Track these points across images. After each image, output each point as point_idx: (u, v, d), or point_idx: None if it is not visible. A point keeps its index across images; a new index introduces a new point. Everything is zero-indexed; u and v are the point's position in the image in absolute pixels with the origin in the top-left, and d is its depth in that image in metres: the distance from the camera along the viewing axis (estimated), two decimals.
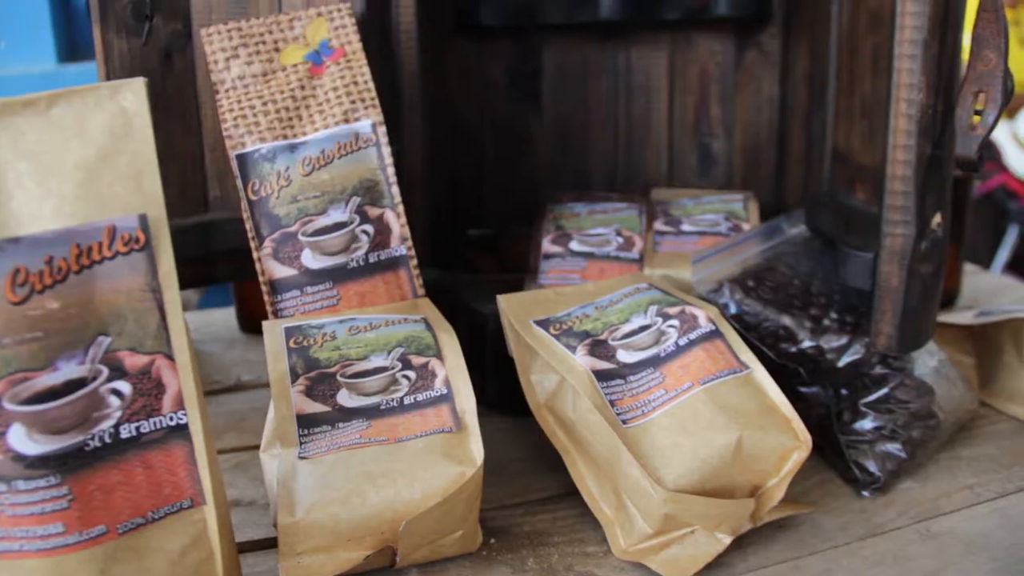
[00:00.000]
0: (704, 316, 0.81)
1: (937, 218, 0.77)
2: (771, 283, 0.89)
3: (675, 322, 0.81)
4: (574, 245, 1.03)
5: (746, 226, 1.05)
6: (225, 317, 1.30)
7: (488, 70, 1.25)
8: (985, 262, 3.21)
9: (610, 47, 1.26)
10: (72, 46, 4.29)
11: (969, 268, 1.38)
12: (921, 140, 0.74)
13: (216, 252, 1.02)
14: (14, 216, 0.56)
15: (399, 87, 1.02)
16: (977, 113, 0.73)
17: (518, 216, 1.27)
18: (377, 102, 0.91)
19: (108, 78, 0.96)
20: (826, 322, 0.86)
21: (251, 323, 1.26)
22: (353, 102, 0.90)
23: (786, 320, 0.86)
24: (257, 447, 0.72)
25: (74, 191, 0.57)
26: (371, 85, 0.91)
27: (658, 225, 1.07)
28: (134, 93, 0.61)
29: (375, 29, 1.00)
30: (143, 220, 0.59)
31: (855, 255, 0.81)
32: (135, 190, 0.59)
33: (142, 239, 0.59)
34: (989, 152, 3.14)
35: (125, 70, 0.97)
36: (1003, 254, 3.17)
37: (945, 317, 1.02)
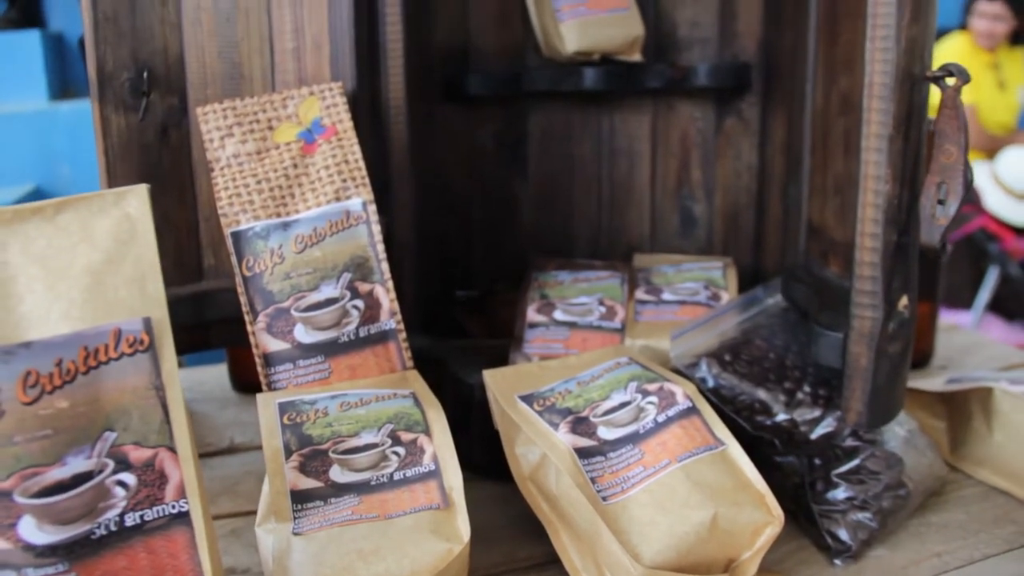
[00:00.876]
0: (681, 393, 0.84)
1: (904, 300, 0.81)
2: (747, 357, 0.92)
3: (654, 399, 0.84)
4: (558, 314, 1.07)
5: (724, 295, 1.09)
6: (217, 375, 1.32)
7: (476, 135, 1.28)
8: (967, 303, 3.26)
9: (594, 112, 1.30)
10: (64, 84, 4.32)
11: (943, 324, 1.42)
12: (887, 228, 0.77)
13: (210, 320, 1.05)
14: (25, 319, 0.59)
15: (389, 160, 1.05)
16: (941, 202, 0.77)
17: (505, 276, 1.31)
18: (367, 181, 0.94)
19: (106, 154, 0.99)
20: (799, 395, 0.89)
21: (244, 382, 1.28)
22: (344, 181, 0.94)
23: (761, 394, 0.90)
24: (251, 513, 0.74)
25: (82, 295, 0.60)
26: (361, 164, 0.94)
27: (639, 294, 1.10)
28: (137, 199, 0.64)
29: (366, 104, 1.03)
30: (147, 323, 0.63)
31: (826, 335, 0.84)
32: (139, 293, 0.62)
33: (146, 341, 0.63)
34: (969, 195, 3.19)
35: (123, 145, 1.00)
36: (984, 295, 3.22)
37: (917, 383, 1.05)
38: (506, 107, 1.28)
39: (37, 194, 3.79)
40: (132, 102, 1.00)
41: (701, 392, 0.88)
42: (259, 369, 0.90)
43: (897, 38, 0.73)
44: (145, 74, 1.00)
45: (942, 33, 4.28)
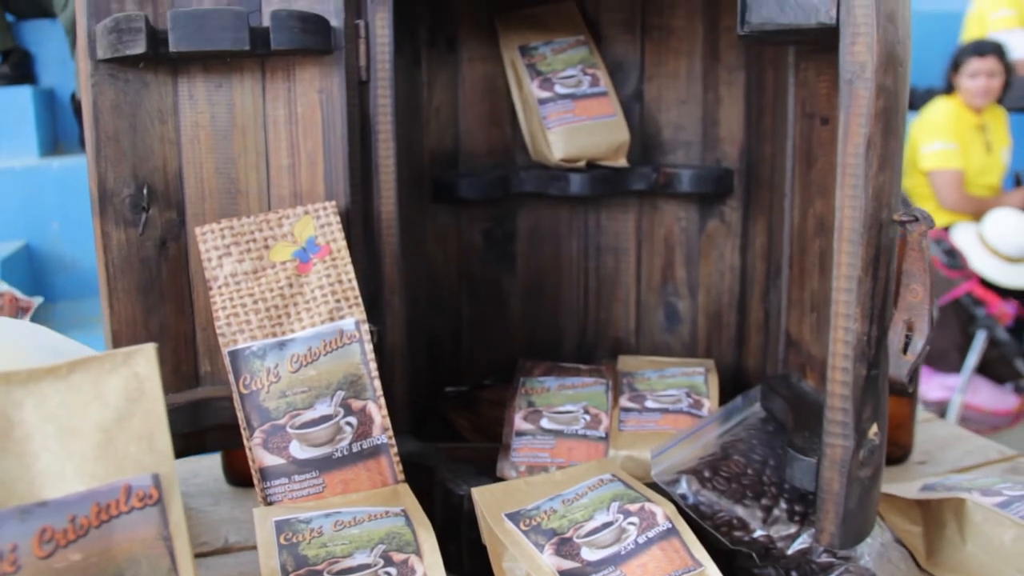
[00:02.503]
0: (662, 514, 0.87)
1: (874, 428, 0.84)
2: (726, 473, 0.96)
3: (635, 519, 0.87)
4: (544, 422, 1.10)
5: (706, 402, 1.12)
6: (211, 466, 1.35)
7: (465, 233, 1.32)
8: (955, 366, 3.29)
9: (581, 210, 1.34)
10: (54, 140, 4.35)
11: (923, 415, 1.45)
12: (857, 363, 0.81)
13: (207, 427, 1.08)
14: (40, 476, 0.62)
15: (381, 271, 1.09)
16: (908, 338, 0.81)
17: (494, 371, 1.35)
18: (360, 300, 0.97)
19: (107, 270, 1.03)
20: (776, 512, 0.92)
21: (237, 475, 1.31)
22: (338, 301, 0.97)
23: (739, 511, 0.93)
24: None
25: (94, 452, 0.64)
26: (355, 284, 0.98)
27: (624, 401, 1.13)
28: (145, 358, 0.67)
29: (358, 218, 1.07)
30: (156, 478, 0.66)
31: (800, 459, 0.87)
32: (148, 450, 0.65)
33: (155, 495, 0.66)
34: (956, 260, 3.25)
35: (123, 259, 1.03)
36: (972, 358, 3.26)
37: (893, 487, 1.08)
38: (495, 206, 1.32)
39: (27, 250, 3.83)
40: (132, 217, 1.04)
41: (681, 511, 0.91)
42: (255, 483, 0.93)
43: (865, 187, 0.77)
44: (145, 190, 1.03)
45: (928, 95, 4.35)
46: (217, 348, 1.08)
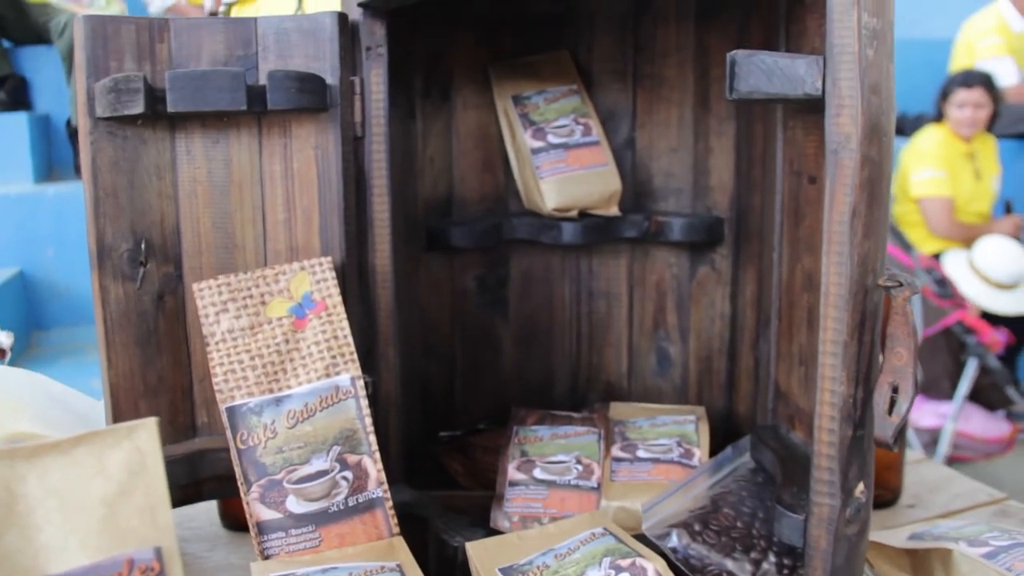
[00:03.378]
0: (652, 569, 0.89)
1: (860, 487, 0.85)
2: (716, 526, 0.97)
3: (626, 575, 0.88)
4: (537, 472, 1.11)
5: (697, 451, 1.13)
6: (207, 510, 1.36)
7: (458, 279, 1.34)
8: (947, 393, 3.31)
9: (573, 256, 1.35)
10: (49, 166, 4.36)
11: (912, 456, 1.47)
12: (843, 425, 0.83)
13: (204, 477, 1.09)
14: (44, 550, 0.64)
15: (376, 323, 1.10)
16: (893, 400, 0.82)
17: (487, 415, 1.36)
18: (355, 356, 0.99)
19: (105, 323, 1.04)
20: (765, 565, 0.94)
21: (233, 519, 1.32)
22: (334, 357, 0.99)
23: (729, 564, 0.94)
24: None
25: (97, 525, 0.65)
26: (350, 340, 1.00)
27: (616, 451, 1.15)
28: (147, 433, 0.69)
29: (353, 272, 1.08)
30: (158, 552, 0.67)
31: (788, 516, 0.89)
32: (151, 523, 0.67)
33: (157, 568, 0.67)
34: (947, 290, 3.27)
35: (121, 313, 1.04)
36: (964, 386, 3.28)
37: (882, 535, 1.09)
38: (488, 252, 1.33)
39: (21, 277, 3.83)
40: (130, 272, 1.05)
41: (671, 565, 0.92)
42: (252, 537, 0.94)
43: (851, 254, 0.79)
44: (143, 245, 1.05)
45: (919, 122, 4.38)
46: (214, 399, 1.09)
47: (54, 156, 4.52)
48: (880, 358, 0.84)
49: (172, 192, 1.06)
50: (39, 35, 4.36)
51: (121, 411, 1.04)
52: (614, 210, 1.27)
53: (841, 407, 0.82)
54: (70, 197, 3.99)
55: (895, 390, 0.82)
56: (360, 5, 1.03)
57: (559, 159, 1.25)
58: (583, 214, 1.27)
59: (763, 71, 0.81)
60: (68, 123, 4.37)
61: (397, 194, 1.12)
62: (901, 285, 0.80)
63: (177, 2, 4.41)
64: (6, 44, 4.47)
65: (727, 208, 1.27)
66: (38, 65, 4.48)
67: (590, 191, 1.25)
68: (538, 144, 1.26)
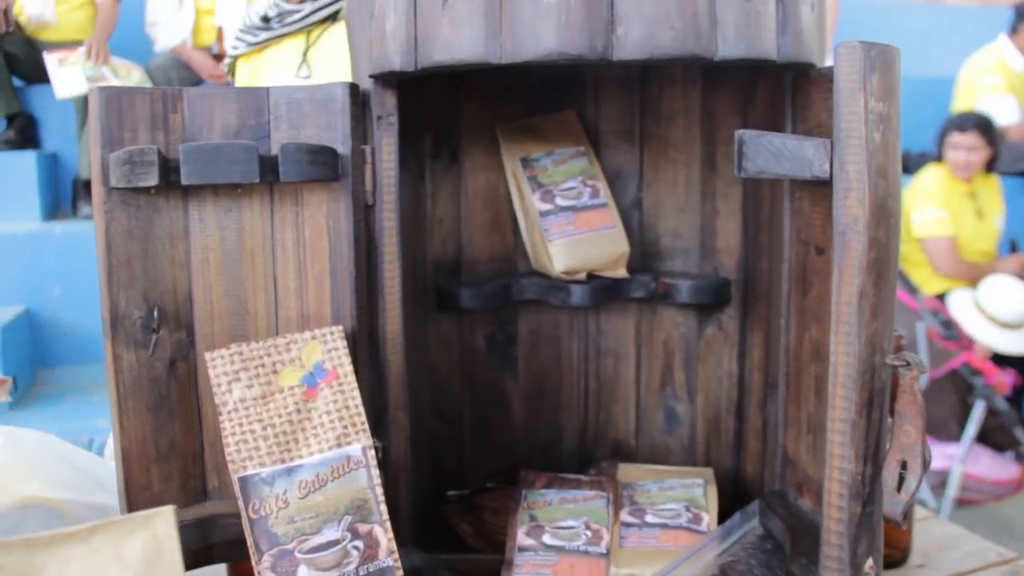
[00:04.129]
0: None
1: (869, 562, 0.86)
2: None
3: None
4: (546, 538, 1.12)
5: (705, 516, 1.14)
6: (216, 570, 1.36)
7: (467, 338, 1.35)
8: (955, 435, 3.31)
9: (581, 314, 1.36)
10: (57, 204, 4.37)
11: (921, 513, 1.47)
12: (852, 502, 0.83)
13: (215, 542, 1.09)
14: None
15: (386, 389, 1.11)
16: (902, 478, 0.83)
17: (496, 474, 1.36)
18: (367, 426, 1.00)
19: (118, 390, 1.04)
20: None
21: None
22: (345, 427, 0.99)
23: None
24: None
25: None
26: (361, 410, 1.00)
27: (624, 515, 1.15)
28: (164, 521, 0.69)
29: (364, 337, 1.09)
30: None
31: None
32: None
33: None
34: (953, 332, 3.28)
35: (133, 380, 1.05)
36: (971, 428, 3.28)
37: None
38: (497, 311, 1.34)
39: (27, 315, 3.84)
40: (143, 339, 1.06)
41: None
42: None
43: (859, 334, 0.80)
44: (155, 312, 1.06)
45: (922, 160, 4.40)
46: (225, 464, 1.10)
47: (62, 195, 4.53)
48: (888, 435, 0.84)
49: (185, 260, 1.06)
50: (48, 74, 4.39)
51: (133, 476, 1.05)
52: (622, 272, 1.28)
53: (850, 484, 0.83)
54: (77, 236, 4.00)
55: (904, 467, 0.83)
56: (371, 76, 1.04)
57: (567, 221, 1.26)
58: (591, 276, 1.27)
59: (771, 152, 0.82)
60: (75, 179, 4.38)
61: (407, 254, 1.13)
62: (909, 365, 0.81)
63: (183, 43, 4.43)
64: (17, 82, 4.50)
65: (735, 269, 1.28)
66: (47, 103, 4.50)
67: (598, 253, 1.26)
68: (546, 207, 1.27)
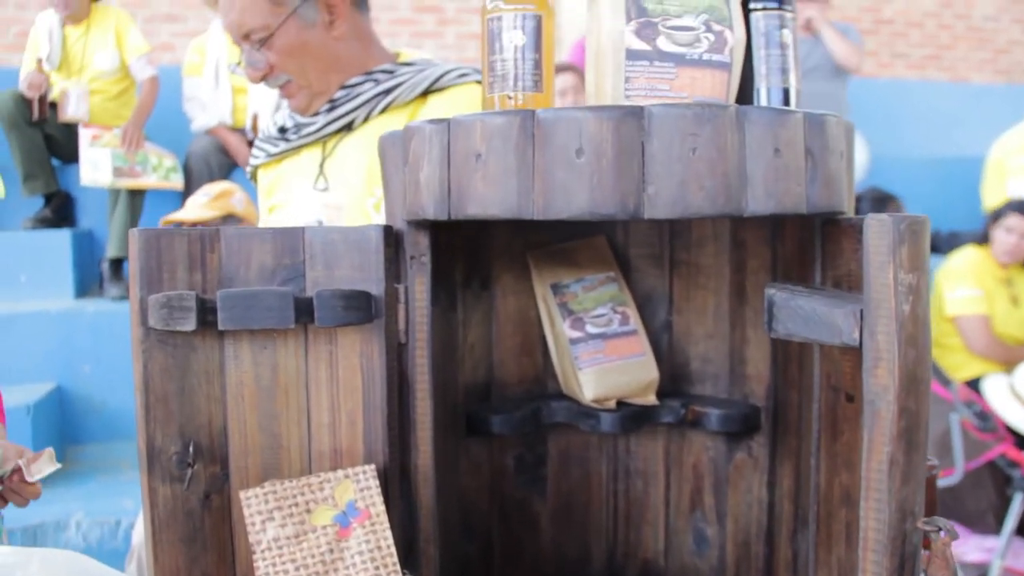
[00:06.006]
0: None
1: None
2: None
3: None
4: None
5: None
6: None
7: (497, 459, 1.35)
8: (993, 528, 3.27)
9: (610, 435, 1.37)
10: (89, 282, 4.41)
11: None
12: None
13: None
14: None
15: (417, 523, 1.12)
16: None
17: None
18: (399, 568, 1.00)
19: (152, 523, 1.06)
20: None
21: None
22: (377, 568, 1.00)
23: None
24: None
25: None
26: (393, 551, 1.01)
27: None
28: None
29: (396, 473, 1.10)
30: None
31: None
32: None
33: None
34: (988, 423, 3.24)
35: (168, 513, 1.07)
36: (1011, 522, 3.23)
37: None
38: (527, 433, 1.35)
39: (58, 392, 3.87)
40: (178, 473, 1.07)
41: None
42: None
43: (889, 500, 0.80)
44: (191, 447, 1.07)
45: (953, 239, 4.39)
46: None
47: (95, 272, 4.59)
48: None
49: (220, 395, 1.08)
50: None
51: None
52: (651, 399, 1.28)
53: None
54: (109, 314, 4.04)
55: None
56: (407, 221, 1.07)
57: (597, 349, 1.27)
58: (621, 403, 1.28)
59: (801, 317, 0.83)
60: (101, 259, 4.44)
61: (438, 384, 1.14)
62: (940, 530, 0.81)
63: (220, 124, 4.50)
64: (55, 162, 4.58)
65: (764, 397, 1.28)
66: None
67: (628, 381, 1.27)
68: (576, 334, 1.28)
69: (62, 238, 4.39)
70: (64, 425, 3.93)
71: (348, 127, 1.69)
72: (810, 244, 1.09)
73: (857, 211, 1.09)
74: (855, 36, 4.85)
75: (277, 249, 1.07)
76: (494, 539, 1.37)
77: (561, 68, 4.16)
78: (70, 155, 4.50)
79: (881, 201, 4.31)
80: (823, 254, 1.04)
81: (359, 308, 1.03)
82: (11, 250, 4.29)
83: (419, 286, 1.09)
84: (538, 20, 1.03)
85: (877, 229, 0.80)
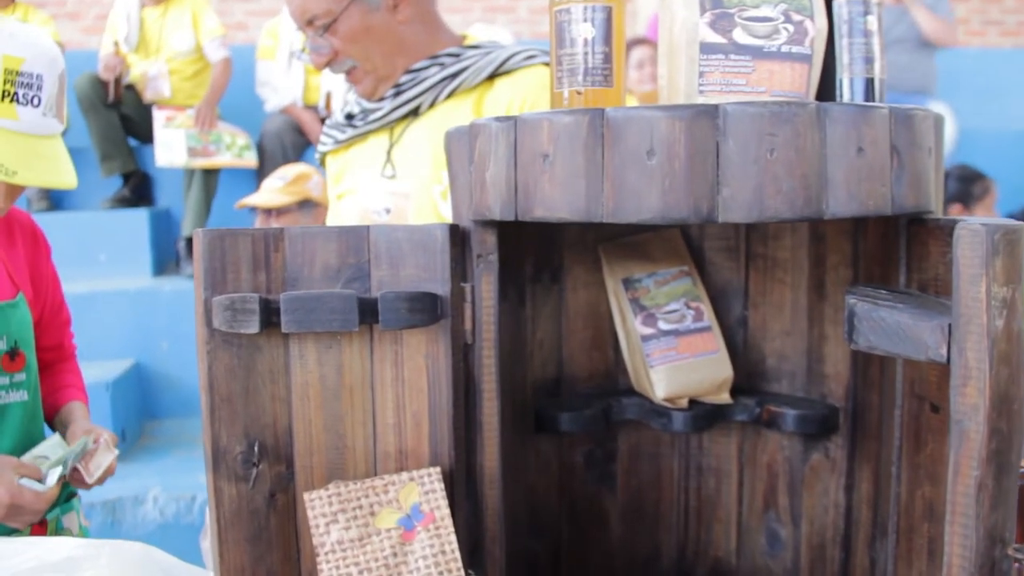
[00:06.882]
0: None
1: None
2: None
3: None
4: None
5: None
6: None
7: (566, 455, 1.33)
8: None
9: (682, 433, 1.33)
10: (167, 261, 4.48)
11: None
12: None
13: None
14: None
15: (483, 523, 1.10)
16: None
17: None
18: (463, 572, 0.99)
19: (218, 522, 1.05)
20: None
21: None
22: (441, 572, 0.98)
23: None
24: None
25: None
26: (457, 555, 0.99)
27: None
28: None
29: (462, 474, 1.08)
30: None
31: None
32: None
33: None
34: None
35: (233, 512, 1.06)
36: None
37: None
38: (596, 429, 1.32)
39: (136, 369, 3.93)
40: (243, 472, 1.06)
41: None
42: None
43: (976, 527, 0.76)
44: (256, 447, 1.06)
45: None
46: None
47: (172, 251, 4.65)
48: None
49: (285, 395, 1.07)
50: None
51: None
52: (725, 397, 1.25)
53: None
54: (185, 292, 4.09)
55: None
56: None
57: (670, 347, 1.24)
58: (693, 401, 1.25)
59: (883, 330, 0.79)
60: (177, 238, 4.49)
61: (506, 384, 1.12)
62: None
63: (293, 103, 4.51)
64: (132, 143, 4.63)
65: (843, 397, 1.24)
66: None
67: (700, 379, 1.23)
68: (648, 331, 1.25)
69: (140, 217, 4.45)
70: (142, 401, 4.00)
71: (415, 112, 1.66)
72: (894, 242, 1.04)
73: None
74: (945, 8, 4.67)
75: (342, 249, 1.05)
76: (562, 537, 1.35)
77: (637, 41, 4.10)
78: (147, 135, 4.55)
79: (969, 180, 4.12)
80: (908, 255, 0.99)
81: (424, 310, 1.01)
82: (90, 230, 4.36)
83: (486, 284, 1.06)
84: (608, 12, 0.99)
85: (969, 239, 0.76)
